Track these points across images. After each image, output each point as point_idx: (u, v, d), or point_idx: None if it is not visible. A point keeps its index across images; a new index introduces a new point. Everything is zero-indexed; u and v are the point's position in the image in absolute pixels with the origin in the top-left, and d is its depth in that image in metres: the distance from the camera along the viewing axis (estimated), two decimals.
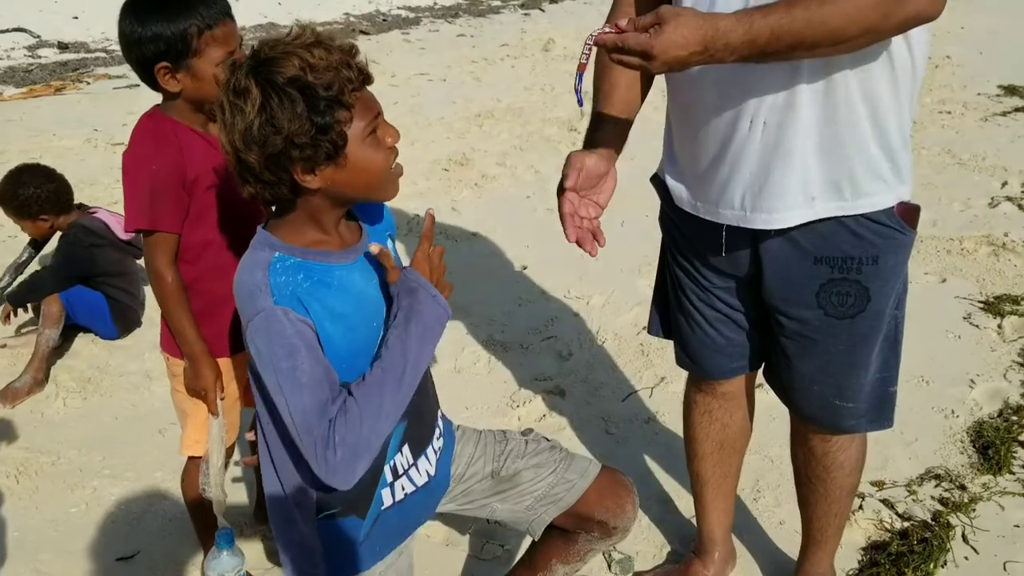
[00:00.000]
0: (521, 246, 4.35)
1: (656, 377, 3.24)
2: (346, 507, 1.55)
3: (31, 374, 3.20)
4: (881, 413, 1.88)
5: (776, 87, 1.57)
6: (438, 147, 5.76)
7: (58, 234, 3.49)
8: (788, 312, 1.80)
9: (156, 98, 1.95)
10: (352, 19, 10.57)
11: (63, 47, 9.51)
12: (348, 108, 1.35)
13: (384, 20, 10.52)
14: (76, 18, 10.68)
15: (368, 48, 8.66)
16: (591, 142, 1.75)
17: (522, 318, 3.71)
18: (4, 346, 3.43)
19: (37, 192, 3.36)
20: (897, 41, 1.54)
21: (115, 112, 6.39)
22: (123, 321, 3.52)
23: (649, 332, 2.17)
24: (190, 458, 2.12)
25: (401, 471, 1.61)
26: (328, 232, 1.48)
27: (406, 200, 4.83)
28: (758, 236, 1.73)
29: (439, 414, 1.74)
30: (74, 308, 3.37)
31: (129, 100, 6.54)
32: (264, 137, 1.32)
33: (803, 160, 1.62)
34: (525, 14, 10.70)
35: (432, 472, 1.67)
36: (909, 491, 2.65)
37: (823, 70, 1.54)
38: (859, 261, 1.69)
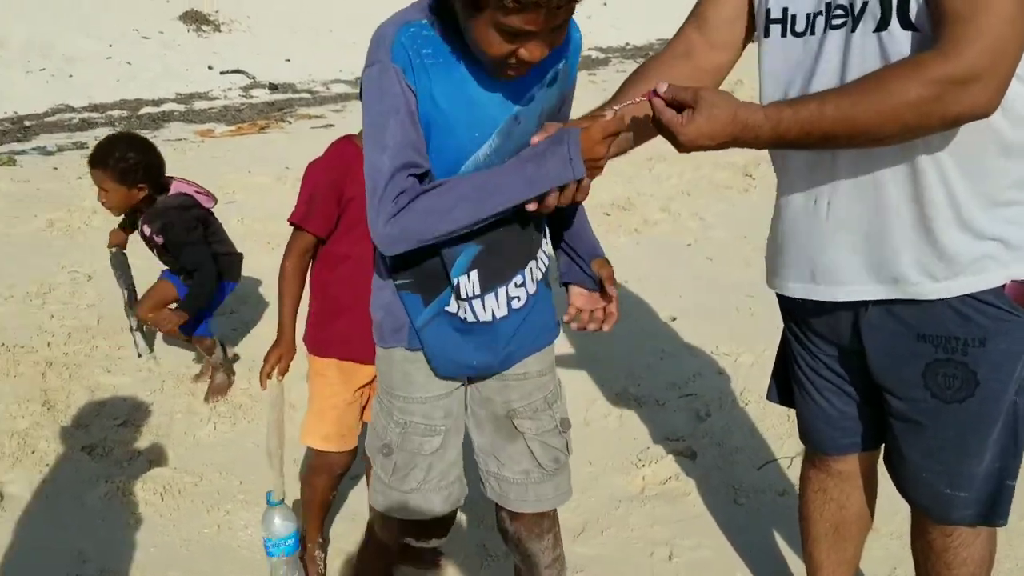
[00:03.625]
0: (674, 295, 4.24)
1: (798, 446, 3.01)
2: (412, 284, 1.66)
3: (221, 376, 3.56)
4: (994, 508, 1.71)
5: (843, 169, 1.56)
6: (604, 191, 5.73)
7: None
8: (895, 391, 1.70)
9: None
10: None
11: (273, 87, 10.27)
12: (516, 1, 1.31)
13: None
14: (288, 60, 11.52)
15: None
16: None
17: (662, 372, 3.60)
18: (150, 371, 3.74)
19: (146, 159, 3.27)
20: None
21: (309, 151, 6.69)
22: (232, 273, 3.58)
23: (767, 397, 2.10)
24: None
25: (464, 296, 1.63)
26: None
27: None
28: (858, 306, 1.66)
29: (532, 267, 1.69)
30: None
31: (324, 139, 6.91)
32: None
33: (872, 239, 1.58)
34: None
35: (501, 314, 1.66)
36: None
37: (890, 151, 1.48)
38: (964, 342, 1.57)
